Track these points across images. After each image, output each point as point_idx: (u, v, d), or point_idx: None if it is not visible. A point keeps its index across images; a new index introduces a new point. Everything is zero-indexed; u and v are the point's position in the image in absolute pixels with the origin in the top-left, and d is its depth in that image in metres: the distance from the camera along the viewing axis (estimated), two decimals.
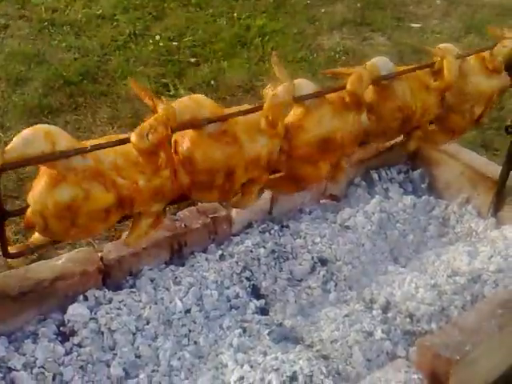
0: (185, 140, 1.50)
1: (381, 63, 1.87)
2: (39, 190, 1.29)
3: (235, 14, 4.88)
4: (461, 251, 2.56)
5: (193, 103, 1.51)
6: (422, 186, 3.02)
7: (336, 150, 1.71)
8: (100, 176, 1.31)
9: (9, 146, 1.27)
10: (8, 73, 3.69)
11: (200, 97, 1.55)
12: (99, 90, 3.69)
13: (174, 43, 4.33)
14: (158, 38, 4.36)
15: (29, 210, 1.28)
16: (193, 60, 4.17)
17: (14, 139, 1.29)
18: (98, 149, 1.34)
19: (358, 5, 5.41)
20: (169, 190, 1.42)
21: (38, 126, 1.34)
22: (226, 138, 1.48)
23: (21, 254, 1.36)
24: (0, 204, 1.29)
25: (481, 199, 2.84)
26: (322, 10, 5.22)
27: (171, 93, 3.71)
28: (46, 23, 4.38)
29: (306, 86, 1.72)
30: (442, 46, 2.10)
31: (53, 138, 1.31)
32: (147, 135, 1.34)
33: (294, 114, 1.70)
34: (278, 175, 1.77)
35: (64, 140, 1.33)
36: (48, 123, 3.17)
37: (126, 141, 1.39)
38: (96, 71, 3.87)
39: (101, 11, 4.64)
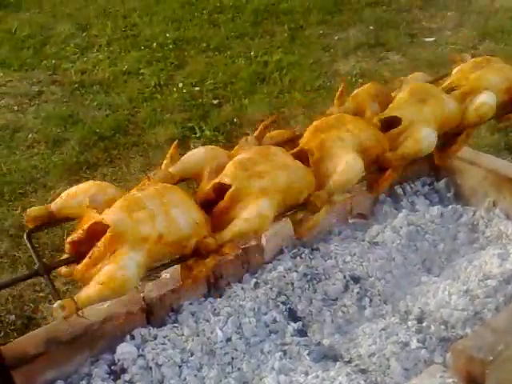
0: None
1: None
2: None
3: (252, 53, 5.08)
4: (491, 254, 2.60)
5: None
6: (448, 195, 3.07)
7: None
8: None
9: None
10: (46, 135, 3.96)
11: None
12: (131, 141, 3.91)
13: (196, 88, 4.55)
14: (181, 85, 4.59)
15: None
16: (215, 102, 4.37)
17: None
18: None
19: (371, 27, 5.55)
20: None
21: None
22: None
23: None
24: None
25: (507, 201, 2.88)
26: (336, 38, 5.37)
27: (197, 135, 3.90)
28: (77, 85, 4.67)
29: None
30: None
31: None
32: None
33: None
34: None
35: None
36: (87, 178, 3.46)
37: None
38: (126, 124, 4.10)
39: (126, 67, 4.92)
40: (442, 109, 2.10)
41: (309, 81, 4.55)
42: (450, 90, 2.25)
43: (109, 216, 1.46)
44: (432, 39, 5.30)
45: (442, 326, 2.26)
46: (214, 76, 4.73)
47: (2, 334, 2.50)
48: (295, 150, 1.88)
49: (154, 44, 5.29)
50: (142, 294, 2.32)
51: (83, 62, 5.03)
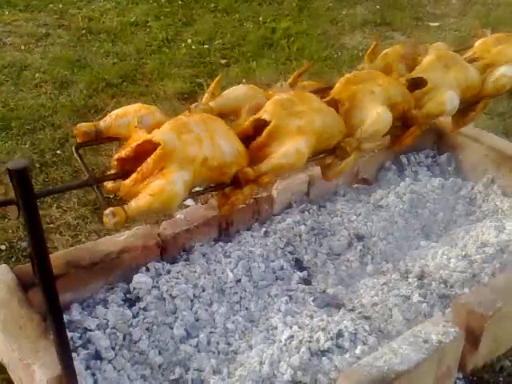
0: None
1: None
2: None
3: (260, 18, 5.11)
4: (488, 226, 2.73)
5: None
6: (449, 168, 3.19)
7: None
8: None
9: None
10: (53, 76, 3.95)
11: None
12: (138, 90, 3.93)
13: (204, 46, 4.57)
14: (189, 41, 4.60)
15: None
16: (223, 61, 4.40)
17: None
18: None
19: (377, 6, 5.62)
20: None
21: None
22: None
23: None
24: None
25: (505, 179, 3.00)
26: (343, 12, 5.43)
27: (206, 91, 3.92)
28: (84, 31, 4.64)
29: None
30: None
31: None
32: None
33: None
34: None
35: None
36: (95, 121, 3.47)
37: None
38: (134, 74, 4.11)
39: (134, 19, 4.90)
40: (465, 76, 2.19)
41: (316, 51, 4.61)
42: (471, 61, 2.34)
43: (159, 135, 1.52)
44: (436, 24, 5.40)
45: (442, 285, 2.38)
46: (222, 36, 4.75)
47: (14, 258, 2.53)
48: (327, 98, 1.95)
49: None
50: (157, 230, 2.38)
51: (90, 10, 5.00)
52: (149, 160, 1.50)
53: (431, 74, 2.14)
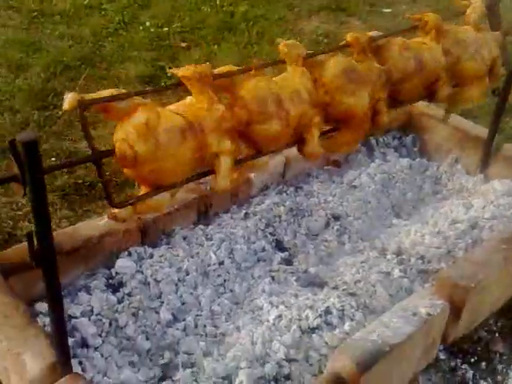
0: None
1: None
2: (119, 125, 1.46)
3: (218, 2, 5.05)
4: (456, 204, 2.82)
5: None
6: (415, 149, 3.27)
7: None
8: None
9: None
10: (7, 59, 3.78)
11: None
12: (98, 73, 3.81)
13: (164, 29, 4.48)
14: (148, 24, 4.49)
15: (116, 144, 1.43)
16: (184, 45, 4.32)
17: None
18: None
19: None
20: (229, 124, 1.58)
21: None
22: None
23: (124, 204, 1.49)
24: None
25: (469, 159, 3.11)
26: None
27: (168, 74, 3.86)
28: (36, 13, 4.46)
29: None
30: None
31: None
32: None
33: None
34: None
35: None
36: (55, 105, 3.35)
37: None
38: (92, 56, 3.98)
39: (87, 1, 4.74)
40: None
41: (276, 35, 4.59)
42: None
43: None
44: (389, 10, 5.49)
45: (420, 261, 2.44)
46: (181, 20, 4.67)
47: None
48: None
49: None
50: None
51: None
52: None
53: None
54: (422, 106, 3.20)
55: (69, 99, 1.38)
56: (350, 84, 1.88)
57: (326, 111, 1.87)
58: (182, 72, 1.56)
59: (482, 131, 3.05)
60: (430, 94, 2.25)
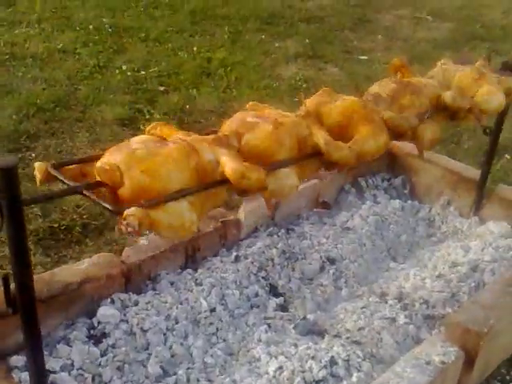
0: None
1: None
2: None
3: (195, 49, 5.01)
4: (453, 246, 2.70)
5: None
6: (405, 191, 3.17)
7: None
8: None
9: None
10: None
11: None
12: (73, 116, 3.65)
13: (141, 73, 4.37)
14: (124, 68, 4.39)
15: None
16: (162, 88, 4.22)
17: None
18: None
19: (307, 40, 5.69)
20: None
21: None
22: None
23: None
24: None
25: (461, 200, 3.02)
26: (276, 45, 5.45)
27: (147, 117, 3.73)
28: (7, 56, 4.32)
29: None
30: None
31: None
32: None
33: None
34: None
35: None
36: (28, 147, 3.17)
37: None
38: (67, 99, 3.83)
39: (61, 45, 4.63)
40: None
41: (255, 80, 4.55)
42: None
43: None
44: (365, 57, 5.53)
45: (424, 306, 2.29)
46: (157, 64, 4.59)
47: None
48: None
49: (90, 26, 5.04)
50: (120, 258, 2.13)
51: (13, 35, 4.68)
52: None
53: None
54: (406, 146, 3.11)
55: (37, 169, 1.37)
56: None
57: None
58: None
59: (474, 173, 2.98)
60: None
